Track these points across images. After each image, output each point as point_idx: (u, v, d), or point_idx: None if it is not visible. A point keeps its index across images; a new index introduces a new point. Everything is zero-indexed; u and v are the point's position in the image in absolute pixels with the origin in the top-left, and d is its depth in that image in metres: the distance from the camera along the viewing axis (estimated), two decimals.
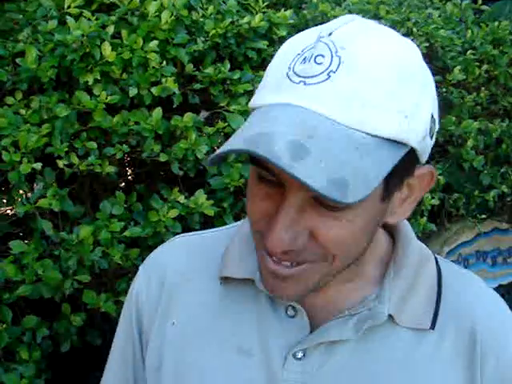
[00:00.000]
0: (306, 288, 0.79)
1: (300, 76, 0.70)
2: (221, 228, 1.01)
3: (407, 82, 0.71)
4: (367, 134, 0.68)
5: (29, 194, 2.02)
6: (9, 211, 2.18)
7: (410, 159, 0.74)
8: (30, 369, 1.89)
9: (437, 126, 0.78)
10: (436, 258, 0.91)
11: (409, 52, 0.74)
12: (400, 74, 0.71)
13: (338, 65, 0.69)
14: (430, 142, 0.77)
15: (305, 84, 0.69)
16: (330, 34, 0.71)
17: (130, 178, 2.46)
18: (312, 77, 0.69)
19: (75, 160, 1.98)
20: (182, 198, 2.09)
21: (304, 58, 0.70)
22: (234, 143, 0.69)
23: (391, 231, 0.91)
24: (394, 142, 0.70)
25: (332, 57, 0.69)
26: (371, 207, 0.74)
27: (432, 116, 0.75)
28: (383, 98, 0.69)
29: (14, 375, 1.86)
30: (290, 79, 0.70)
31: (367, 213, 0.74)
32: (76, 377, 2.34)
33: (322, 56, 0.69)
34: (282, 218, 0.71)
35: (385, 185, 0.72)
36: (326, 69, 0.69)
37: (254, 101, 0.76)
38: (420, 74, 0.74)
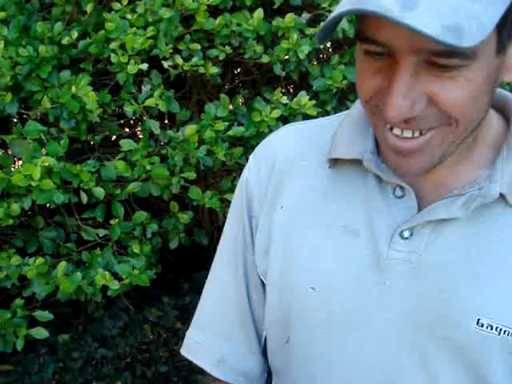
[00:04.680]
0: (432, 160, 0.76)
1: None
2: (329, 117, 1.00)
3: None
4: None
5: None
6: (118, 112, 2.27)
7: None
8: (140, 261, 1.99)
9: None
10: None
11: None
12: None
13: None
14: None
15: None
16: None
17: (234, 83, 2.48)
18: None
19: (179, 61, 2.02)
20: (284, 99, 2.09)
21: None
22: (340, 9, 0.67)
23: (505, 114, 0.86)
24: None
25: None
26: (487, 62, 0.70)
27: None
28: None
29: (126, 266, 1.96)
30: None
31: (484, 69, 0.70)
32: (184, 273, 2.44)
33: None
34: (397, 85, 0.70)
35: (498, 35, 0.69)
36: None
37: None
38: None
